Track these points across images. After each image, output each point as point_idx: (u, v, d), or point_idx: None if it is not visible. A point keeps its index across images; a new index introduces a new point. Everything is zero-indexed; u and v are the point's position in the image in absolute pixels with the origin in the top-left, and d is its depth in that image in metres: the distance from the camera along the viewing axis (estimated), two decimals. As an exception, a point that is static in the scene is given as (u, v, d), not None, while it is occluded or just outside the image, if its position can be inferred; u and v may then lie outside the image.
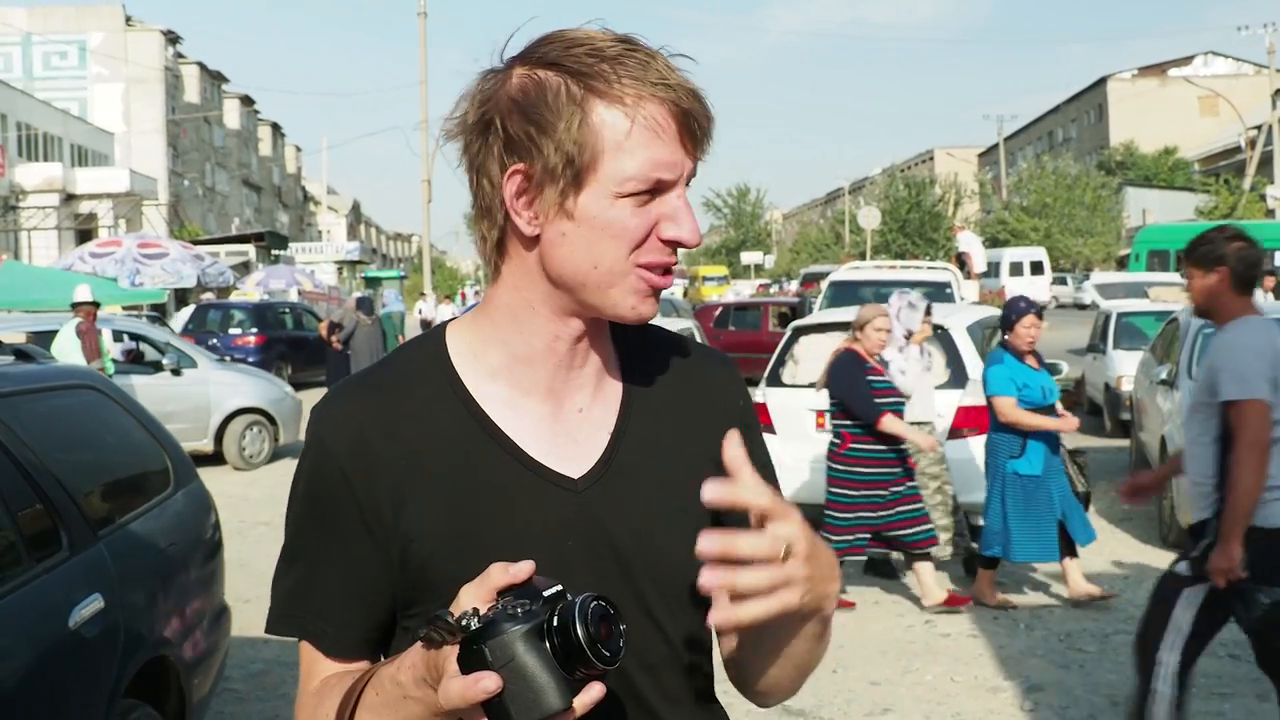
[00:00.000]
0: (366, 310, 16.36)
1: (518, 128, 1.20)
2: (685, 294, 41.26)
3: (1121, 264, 38.26)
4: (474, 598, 1.09)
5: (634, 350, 1.38)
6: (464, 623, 1.06)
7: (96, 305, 11.56)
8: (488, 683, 1.03)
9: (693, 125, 1.22)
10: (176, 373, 12.69)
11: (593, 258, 1.23)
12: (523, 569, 1.10)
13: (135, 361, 13.04)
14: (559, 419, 1.30)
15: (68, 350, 10.98)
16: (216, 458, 12.80)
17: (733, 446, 1.10)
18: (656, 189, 1.22)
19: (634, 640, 1.24)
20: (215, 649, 4.34)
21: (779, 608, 1.07)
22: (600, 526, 1.26)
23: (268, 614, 1.33)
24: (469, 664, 1.05)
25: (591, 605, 1.05)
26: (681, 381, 1.38)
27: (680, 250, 1.26)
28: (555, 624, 1.05)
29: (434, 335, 1.35)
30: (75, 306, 11.32)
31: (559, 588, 1.09)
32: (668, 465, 1.31)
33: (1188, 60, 68.15)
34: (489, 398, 1.29)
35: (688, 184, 1.25)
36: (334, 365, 16.70)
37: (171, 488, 4.35)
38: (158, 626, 3.77)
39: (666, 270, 1.26)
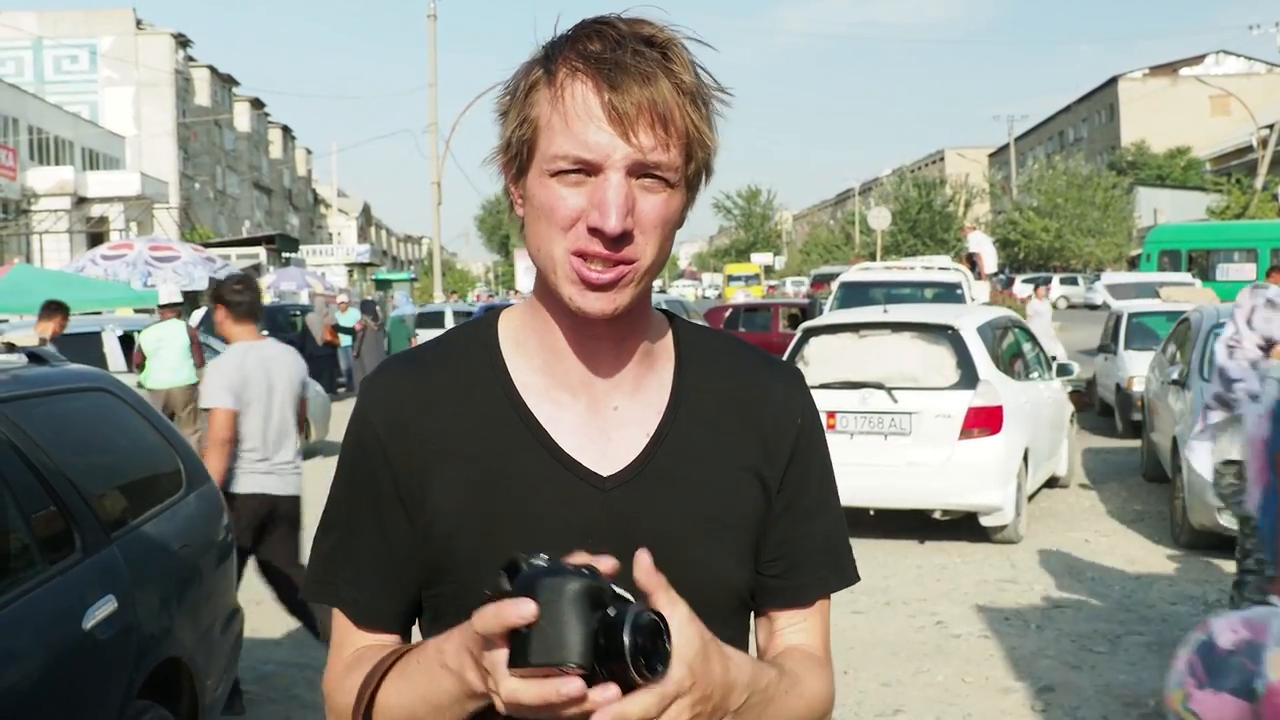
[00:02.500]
0: (372, 315, 16.24)
1: (499, 114, 1.24)
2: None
3: (1133, 264, 38.08)
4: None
5: (694, 356, 1.34)
6: (534, 560, 1.04)
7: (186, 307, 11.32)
8: (525, 607, 0.98)
9: (623, 107, 1.14)
10: None
11: (537, 240, 1.22)
12: (605, 563, 1.07)
13: None
14: (594, 415, 1.28)
15: (177, 354, 10.60)
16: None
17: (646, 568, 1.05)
18: (586, 171, 1.16)
19: None
20: (228, 650, 4.36)
21: None
22: (625, 528, 1.22)
23: (304, 579, 1.33)
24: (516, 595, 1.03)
25: (645, 617, 1.01)
26: (739, 392, 1.32)
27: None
28: (608, 619, 1.01)
29: (488, 319, 1.36)
30: (163, 308, 11.05)
31: (626, 594, 1.05)
32: (708, 473, 1.27)
33: (1199, 59, 67.86)
34: (528, 386, 1.28)
35: (646, 173, 1.17)
36: (314, 360, 16.57)
37: (184, 490, 4.36)
38: (171, 628, 3.79)
39: (603, 263, 1.18)
